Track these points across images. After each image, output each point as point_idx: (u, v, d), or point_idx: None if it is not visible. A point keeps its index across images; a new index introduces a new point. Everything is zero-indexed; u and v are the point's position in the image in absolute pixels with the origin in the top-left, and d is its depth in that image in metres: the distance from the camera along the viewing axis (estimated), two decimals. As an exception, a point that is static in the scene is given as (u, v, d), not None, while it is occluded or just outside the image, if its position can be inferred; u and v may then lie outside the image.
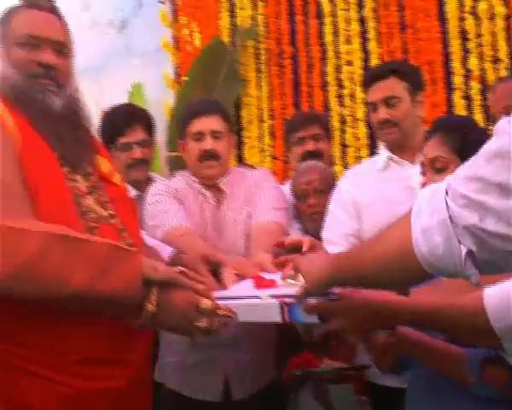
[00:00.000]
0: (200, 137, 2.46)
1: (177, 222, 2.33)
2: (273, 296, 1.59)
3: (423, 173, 1.92)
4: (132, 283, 1.49)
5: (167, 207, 2.39)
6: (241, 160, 5.11)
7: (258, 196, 2.46)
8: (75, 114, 1.85)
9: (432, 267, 1.15)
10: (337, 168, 4.44)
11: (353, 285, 1.48)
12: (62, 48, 1.84)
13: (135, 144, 2.89)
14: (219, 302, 1.63)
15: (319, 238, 2.50)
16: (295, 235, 2.53)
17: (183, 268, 1.65)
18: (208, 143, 2.45)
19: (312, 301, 1.52)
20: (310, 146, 3.13)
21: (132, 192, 2.66)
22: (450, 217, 1.09)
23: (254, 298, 1.64)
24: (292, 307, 1.54)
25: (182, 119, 2.58)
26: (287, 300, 1.54)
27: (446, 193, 1.11)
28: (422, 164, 1.93)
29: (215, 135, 2.46)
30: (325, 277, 1.43)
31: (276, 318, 1.57)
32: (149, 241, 2.10)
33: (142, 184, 2.82)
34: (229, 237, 2.41)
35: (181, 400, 2.36)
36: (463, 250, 1.09)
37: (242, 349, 2.33)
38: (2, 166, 1.58)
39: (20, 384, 1.52)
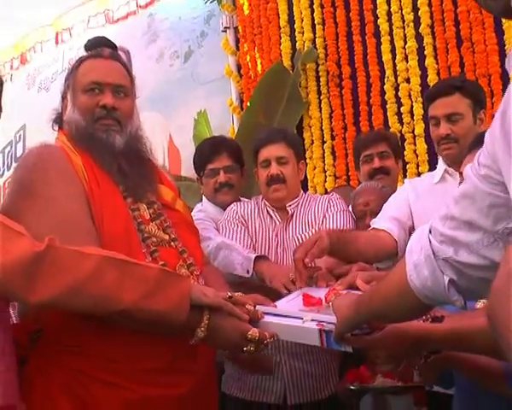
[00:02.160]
0: (267, 164, 2.69)
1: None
2: (314, 320, 1.69)
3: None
4: (180, 306, 1.62)
5: (233, 235, 2.64)
6: (304, 181, 5.20)
7: (326, 220, 2.64)
8: (137, 150, 2.04)
9: (426, 298, 1.30)
10: (399, 185, 4.47)
11: (370, 322, 1.58)
12: (123, 90, 2.03)
13: (221, 170, 3.07)
14: (265, 318, 1.78)
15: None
16: None
17: (232, 294, 1.76)
18: (274, 169, 2.66)
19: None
20: (376, 164, 3.23)
21: (218, 215, 2.86)
22: (433, 252, 1.25)
23: (297, 319, 1.74)
24: (329, 335, 1.62)
25: (253, 150, 2.82)
26: (326, 327, 1.63)
27: (430, 232, 1.27)
28: (460, 174, 2.00)
29: (280, 161, 2.68)
30: (351, 315, 1.54)
31: (314, 342, 1.67)
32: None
33: None
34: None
35: (242, 404, 2.53)
36: (446, 279, 1.24)
37: (304, 359, 2.47)
38: (72, 202, 1.79)
39: (91, 391, 1.68)
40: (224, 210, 2.90)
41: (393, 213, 2.60)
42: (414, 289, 1.30)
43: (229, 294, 1.73)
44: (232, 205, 2.79)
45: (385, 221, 2.56)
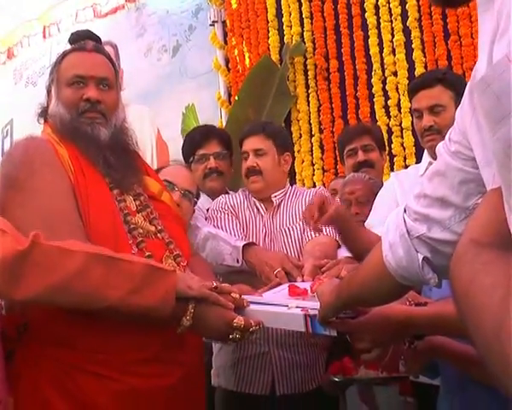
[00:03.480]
0: (246, 156, 2.71)
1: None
2: (299, 307, 1.71)
3: None
4: (166, 300, 1.63)
5: (223, 224, 2.63)
6: (292, 174, 5.22)
7: None
8: (122, 142, 2.04)
9: (402, 278, 1.32)
10: (385, 177, 4.49)
11: (352, 306, 1.59)
12: (107, 82, 2.03)
13: (211, 156, 3.09)
14: (251, 306, 1.79)
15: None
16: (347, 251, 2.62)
17: (217, 284, 1.77)
18: (250, 161, 2.68)
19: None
20: (360, 157, 3.25)
21: (206, 204, 2.85)
22: (407, 230, 1.27)
23: (283, 307, 1.76)
24: (314, 320, 1.64)
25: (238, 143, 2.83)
26: (310, 312, 1.65)
27: (405, 211, 1.29)
28: None
29: (257, 153, 2.69)
30: (332, 300, 1.55)
31: (299, 327, 1.69)
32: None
33: (218, 196, 2.96)
34: (281, 247, 2.59)
35: (231, 395, 2.53)
36: (420, 258, 1.26)
37: (292, 350, 2.49)
38: (58, 194, 1.80)
39: (79, 383, 1.69)
40: (213, 199, 2.91)
41: (385, 213, 2.60)
42: (390, 270, 1.31)
43: (215, 284, 1.74)
44: (220, 197, 2.80)
45: (378, 221, 2.57)
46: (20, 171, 1.81)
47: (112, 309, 1.62)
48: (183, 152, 3.24)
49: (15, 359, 1.73)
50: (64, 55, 2.06)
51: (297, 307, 1.71)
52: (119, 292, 1.59)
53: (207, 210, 2.76)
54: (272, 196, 2.68)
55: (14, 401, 1.67)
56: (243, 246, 2.42)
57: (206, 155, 3.09)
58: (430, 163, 2.69)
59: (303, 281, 2.07)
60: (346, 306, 1.56)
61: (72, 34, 2.14)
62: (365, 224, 2.61)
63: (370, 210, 2.72)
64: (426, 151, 2.83)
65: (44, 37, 7.76)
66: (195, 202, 2.56)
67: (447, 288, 1.37)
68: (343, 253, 2.53)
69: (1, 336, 1.72)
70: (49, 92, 2.07)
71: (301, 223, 2.61)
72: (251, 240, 2.57)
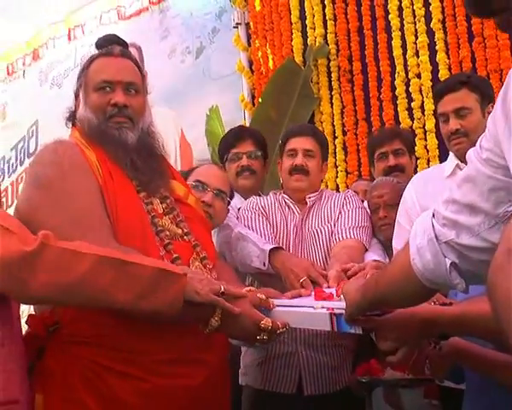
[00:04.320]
0: (293, 154, 2.73)
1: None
2: (324, 307, 1.73)
3: None
4: (173, 305, 1.64)
5: (254, 224, 2.65)
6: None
7: (342, 216, 2.67)
8: (149, 146, 2.07)
9: (429, 282, 1.32)
10: (409, 179, 4.49)
11: (378, 306, 1.60)
12: (134, 87, 2.06)
13: (244, 154, 3.13)
14: (277, 309, 1.82)
15: (390, 247, 2.64)
16: (374, 253, 2.63)
17: (225, 289, 1.74)
18: (299, 159, 2.70)
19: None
20: (391, 161, 3.25)
21: (238, 203, 2.88)
22: (435, 235, 1.27)
23: (308, 307, 1.79)
24: (339, 318, 1.66)
25: (281, 140, 2.87)
26: (336, 311, 1.67)
27: (433, 215, 1.29)
28: None
29: (307, 153, 2.72)
30: (358, 299, 1.56)
31: (325, 326, 1.71)
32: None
33: (250, 195, 2.99)
34: (309, 248, 2.62)
35: (258, 394, 2.55)
36: (448, 263, 1.26)
37: (320, 351, 2.51)
38: (87, 196, 1.83)
39: (107, 381, 1.72)
40: (245, 198, 2.93)
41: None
42: (417, 273, 1.32)
43: (223, 289, 1.72)
44: (251, 198, 2.82)
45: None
46: (49, 172, 1.84)
47: (123, 311, 1.64)
48: (218, 153, 3.31)
49: (46, 357, 1.77)
50: (92, 59, 2.10)
51: (322, 307, 1.74)
52: (127, 295, 1.60)
53: (238, 209, 2.78)
54: (307, 196, 2.71)
55: (43, 397, 1.71)
56: (270, 250, 2.43)
57: (238, 154, 3.14)
58: (457, 165, 2.69)
59: (328, 287, 2.08)
60: (371, 306, 1.57)
61: (98, 39, 2.18)
62: (393, 247, 2.61)
63: (396, 214, 2.73)
64: (452, 153, 2.83)
65: (69, 39, 7.85)
66: (229, 202, 2.59)
67: (473, 292, 1.39)
68: (370, 256, 2.55)
69: (29, 336, 1.76)
70: (76, 96, 2.10)
71: (330, 225, 2.64)
72: (280, 241, 2.60)
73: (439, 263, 1.27)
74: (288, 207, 2.72)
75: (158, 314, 1.65)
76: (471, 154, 1.21)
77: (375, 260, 2.44)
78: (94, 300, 1.61)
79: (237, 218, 2.73)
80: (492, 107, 2.70)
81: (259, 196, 2.97)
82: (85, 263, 1.57)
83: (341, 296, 1.78)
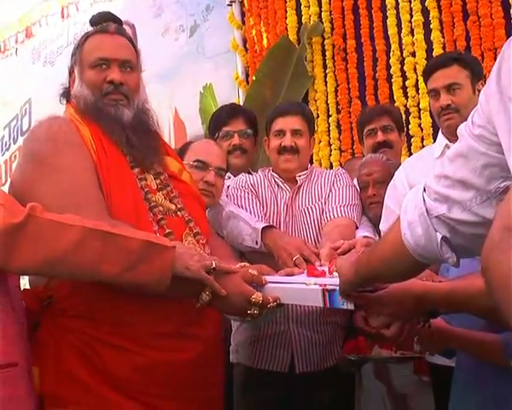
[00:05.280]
0: (281, 134, 2.71)
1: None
2: (317, 284, 1.75)
3: None
4: (160, 279, 1.65)
5: (242, 202, 2.65)
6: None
7: (332, 194, 2.67)
8: (144, 123, 2.08)
9: (420, 256, 1.33)
10: (402, 158, 4.48)
11: (370, 282, 1.61)
12: (129, 65, 2.07)
13: (236, 133, 3.15)
14: (269, 285, 1.83)
15: (378, 225, 2.66)
16: (364, 230, 2.65)
17: (216, 264, 1.74)
18: (288, 140, 2.69)
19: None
20: (380, 137, 3.25)
21: (227, 181, 2.87)
22: (426, 210, 1.28)
23: (301, 284, 1.81)
24: (332, 294, 1.68)
25: (267, 119, 2.84)
26: (328, 287, 1.69)
27: (424, 190, 1.30)
28: None
29: (295, 133, 2.70)
30: (351, 275, 1.58)
31: (317, 302, 1.74)
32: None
33: (241, 174, 2.97)
34: (300, 226, 2.62)
35: (250, 372, 2.56)
36: (439, 237, 1.27)
37: (311, 328, 2.52)
38: (81, 171, 1.84)
39: (101, 355, 1.74)
40: (235, 176, 2.93)
41: None
42: (408, 248, 1.33)
43: (214, 264, 1.73)
44: (240, 175, 2.83)
45: None
46: (43, 147, 1.85)
47: (109, 283, 1.65)
48: (209, 128, 3.31)
49: (40, 331, 1.79)
50: (87, 36, 2.10)
51: (315, 283, 1.75)
52: (114, 267, 1.60)
53: (227, 187, 2.78)
54: (297, 175, 2.71)
55: (39, 370, 1.72)
56: (262, 228, 2.44)
57: (230, 132, 3.15)
58: (446, 145, 2.70)
59: (320, 265, 2.10)
60: (364, 282, 1.59)
61: (93, 16, 2.17)
62: (381, 230, 2.62)
63: (385, 192, 2.74)
64: (440, 133, 2.84)
65: (62, 17, 7.79)
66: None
67: (464, 268, 1.40)
68: (360, 233, 2.56)
69: (22, 308, 1.77)
70: (71, 73, 2.11)
71: (320, 203, 2.64)
72: (271, 219, 2.60)
73: (430, 237, 1.28)
74: (278, 185, 2.72)
75: (145, 287, 1.66)
76: (462, 129, 1.21)
77: (365, 237, 2.46)
78: (80, 271, 1.62)
79: (227, 196, 2.73)
80: (482, 85, 2.73)
81: (250, 173, 2.98)
82: (71, 235, 1.57)
83: (334, 274, 1.80)
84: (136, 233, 1.69)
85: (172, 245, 1.68)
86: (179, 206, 2.03)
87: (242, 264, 1.96)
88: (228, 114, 3.22)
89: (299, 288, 1.79)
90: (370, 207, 2.79)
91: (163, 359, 1.78)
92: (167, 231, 1.89)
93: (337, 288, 1.66)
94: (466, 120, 2.60)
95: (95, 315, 1.76)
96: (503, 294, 0.82)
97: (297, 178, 2.71)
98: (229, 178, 2.98)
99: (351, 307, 1.66)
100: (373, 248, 1.56)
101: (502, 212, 0.89)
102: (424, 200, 1.29)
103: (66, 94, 2.12)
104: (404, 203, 1.37)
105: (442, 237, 1.27)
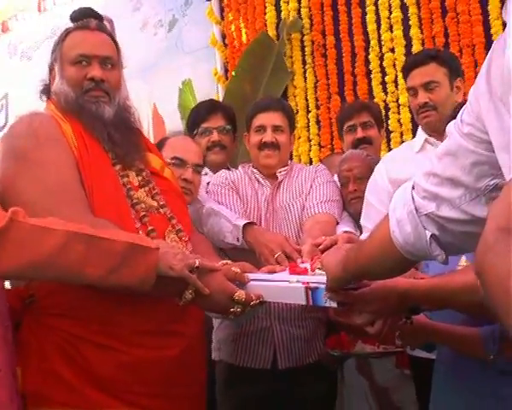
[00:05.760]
0: (260, 129, 2.71)
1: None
2: (299, 281, 1.75)
3: None
4: (145, 280, 1.64)
5: (224, 199, 2.64)
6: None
7: (313, 190, 2.67)
8: (126, 119, 2.07)
9: (409, 254, 1.33)
10: (382, 154, 4.51)
11: (358, 279, 1.62)
12: (110, 61, 2.06)
13: (215, 129, 3.14)
14: (252, 283, 1.83)
15: (359, 220, 2.68)
16: (345, 225, 2.66)
17: (200, 263, 1.73)
18: (268, 136, 2.68)
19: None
20: (359, 133, 3.27)
21: (206, 177, 2.87)
22: (415, 208, 1.28)
23: (284, 282, 1.81)
24: (315, 292, 1.68)
25: (247, 115, 2.83)
26: (311, 285, 1.69)
27: (413, 188, 1.30)
28: None
29: (276, 129, 2.70)
30: (338, 272, 1.57)
31: (300, 300, 1.73)
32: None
33: (220, 170, 2.97)
34: (281, 223, 2.62)
35: (233, 369, 2.56)
36: (428, 235, 1.27)
37: (293, 324, 2.53)
38: (63, 168, 1.83)
39: (84, 353, 1.74)
40: (214, 172, 2.92)
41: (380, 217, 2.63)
42: (397, 245, 1.33)
43: (197, 263, 1.72)
44: (221, 171, 2.82)
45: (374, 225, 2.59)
46: (25, 143, 1.84)
47: (94, 286, 1.64)
48: (187, 125, 3.30)
49: (22, 330, 1.78)
50: (67, 32, 2.08)
51: (297, 281, 1.75)
52: (98, 271, 1.59)
53: (208, 183, 2.77)
54: (277, 171, 2.71)
55: (21, 370, 1.71)
56: (244, 225, 2.44)
57: (209, 129, 3.15)
58: (426, 140, 2.74)
59: (302, 262, 2.10)
60: (352, 278, 1.59)
61: (73, 12, 2.15)
62: (361, 225, 2.64)
63: (366, 187, 2.76)
64: (420, 128, 2.87)
65: (39, 10, 7.71)
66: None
67: (444, 266, 1.41)
68: (341, 229, 2.57)
69: (7, 310, 1.76)
70: (51, 69, 2.09)
71: (301, 200, 2.65)
72: (251, 216, 2.60)
73: (419, 235, 1.28)
74: (258, 181, 2.72)
75: (130, 289, 1.66)
76: (451, 127, 1.21)
77: (347, 232, 2.47)
78: (64, 275, 1.61)
79: (207, 192, 2.73)
80: (461, 81, 2.77)
81: (228, 169, 2.98)
82: (55, 239, 1.56)
83: (316, 271, 1.80)
84: (120, 235, 1.67)
85: (156, 246, 1.67)
86: (161, 203, 2.02)
87: (224, 262, 1.96)
88: (206, 110, 3.21)
89: (282, 286, 1.79)
90: (351, 203, 2.80)
91: (147, 356, 1.78)
92: (150, 228, 1.89)
93: (320, 286, 1.67)
94: (444, 117, 2.64)
95: (78, 313, 1.75)
96: (500, 298, 0.81)
97: (277, 175, 2.71)
98: (207, 174, 2.98)
99: (334, 305, 1.66)
100: (361, 245, 1.56)
101: (494, 212, 0.88)
102: (413, 198, 1.29)
103: (47, 90, 2.10)
104: (392, 201, 1.37)
105: (431, 235, 1.27)
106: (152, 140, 5.43)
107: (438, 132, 2.69)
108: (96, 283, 1.62)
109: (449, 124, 1.23)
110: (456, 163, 1.18)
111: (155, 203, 2.00)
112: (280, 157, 2.71)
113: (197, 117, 3.22)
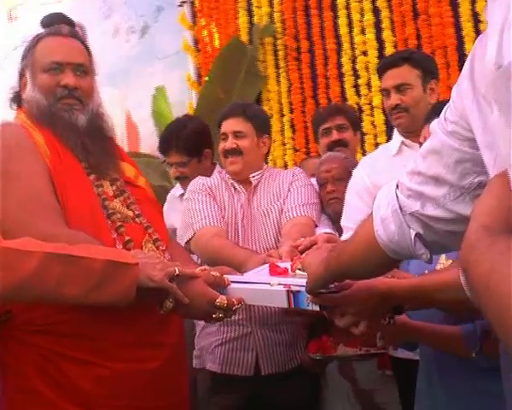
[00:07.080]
0: (224, 137, 2.71)
1: (209, 222, 2.55)
2: (281, 284, 1.73)
3: None
4: (126, 295, 1.61)
5: (201, 206, 2.61)
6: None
7: (291, 193, 2.66)
8: (99, 127, 2.03)
9: (393, 253, 1.32)
10: (357, 156, 4.53)
11: (340, 279, 1.60)
12: (83, 68, 2.01)
13: (173, 166, 3.17)
14: (233, 286, 1.81)
15: (338, 222, 2.67)
16: (324, 228, 2.65)
17: (180, 271, 1.71)
18: (229, 143, 2.68)
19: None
20: (334, 136, 3.26)
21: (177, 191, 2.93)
22: (399, 206, 1.27)
23: (265, 284, 1.78)
24: (296, 295, 1.66)
25: (217, 124, 2.82)
26: (293, 288, 1.67)
27: (397, 187, 1.29)
28: (420, 145, 2.04)
29: (237, 135, 2.68)
30: (320, 272, 1.55)
31: (282, 303, 1.71)
32: None
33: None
34: (259, 228, 2.61)
35: (216, 378, 2.54)
36: (412, 234, 1.26)
37: (275, 329, 2.52)
38: (36, 178, 1.79)
39: (62, 369, 1.70)
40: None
41: (361, 216, 2.63)
42: (381, 244, 1.31)
43: (177, 271, 1.70)
44: (197, 178, 2.79)
45: (355, 225, 2.59)
46: None
47: (75, 304, 1.62)
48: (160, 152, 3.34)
49: (-1, 347, 1.73)
50: (39, 38, 2.02)
51: (279, 284, 1.73)
52: (78, 290, 1.56)
53: (181, 195, 2.76)
54: (250, 176, 2.69)
55: (0, 389, 1.68)
56: None
57: (170, 164, 3.21)
58: (403, 142, 2.75)
59: (282, 262, 2.09)
60: (334, 278, 1.57)
61: (45, 17, 2.10)
62: (342, 225, 2.63)
63: (344, 189, 2.76)
64: (396, 130, 2.88)
65: (10, 19, 7.63)
66: None
67: (424, 263, 1.41)
68: (320, 231, 2.57)
69: None
70: (21, 76, 2.03)
71: (279, 204, 2.63)
72: (229, 221, 2.58)
73: (403, 234, 1.27)
74: (234, 187, 2.70)
75: (110, 305, 1.63)
76: (435, 126, 1.20)
77: (326, 233, 2.46)
78: (43, 297, 1.58)
79: (185, 199, 2.72)
80: (435, 83, 2.78)
81: None
82: (32, 261, 1.51)
83: (297, 272, 1.79)
84: (98, 252, 1.64)
85: (135, 262, 1.63)
86: (137, 212, 1.98)
87: (203, 267, 1.94)
88: (162, 146, 3.23)
89: (264, 289, 1.77)
90: (329, 204, 2.80)
91: (128, 369, 1.74)
92: (127, 238, 1.85)
93: (301, 289, 1.65)
94: (417, 118, 2.65)
95: (55, 329, 1.71)
96: (482, 295, 0.81)
97: (251, 179, 2.69)
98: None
99: (316, 308, 1.65)
100: (344, 245, 1.55)
101: (477, 210, 0.89)
102: (397, 196, 1.28)
103: (17, 98, 2.05)
104: (376, 199, 1.36)
105: (416, 234, 1.26)
106: (125, 148, 5.43)
107: (413, 134, 2.70)
108: (76, 302, 1.60)
109: (432, 123, 1.23)
110: (440, 161, 1.17)
111: (131, 213, 1.96)
112: (244, 162, 2.68)
113: (160, 149, 3.28)
